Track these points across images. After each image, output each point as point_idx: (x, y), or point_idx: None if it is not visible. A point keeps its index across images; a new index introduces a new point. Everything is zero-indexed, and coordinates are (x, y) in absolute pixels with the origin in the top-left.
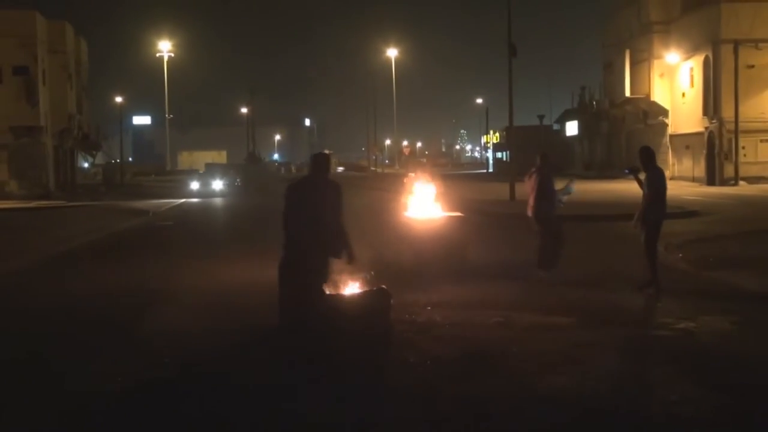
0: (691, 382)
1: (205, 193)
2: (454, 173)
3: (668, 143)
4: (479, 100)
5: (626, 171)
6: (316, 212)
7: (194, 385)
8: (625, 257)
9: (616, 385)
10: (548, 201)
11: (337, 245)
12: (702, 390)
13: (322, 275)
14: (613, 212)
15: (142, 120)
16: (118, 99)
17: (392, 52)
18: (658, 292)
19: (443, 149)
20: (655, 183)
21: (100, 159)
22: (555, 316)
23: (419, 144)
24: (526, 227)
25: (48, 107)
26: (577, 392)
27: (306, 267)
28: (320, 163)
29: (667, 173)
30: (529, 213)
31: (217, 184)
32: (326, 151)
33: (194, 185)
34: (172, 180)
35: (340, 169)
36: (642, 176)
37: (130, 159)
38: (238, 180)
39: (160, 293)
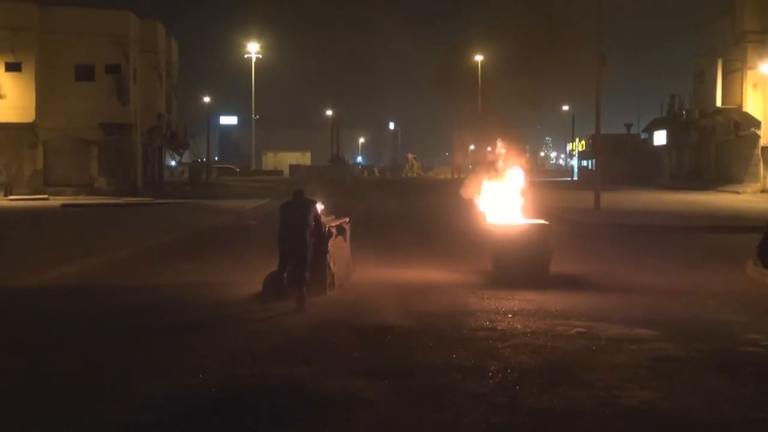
0: None
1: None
2: (538, 180)
3: (760, 155)
4: (565, 107)
5: None
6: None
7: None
8: (713, 270)
9: (701, 401)
10: None
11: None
12: None
13: None
14: (703, 224)
15: (228, 120)
16: (206, 99)
17: (478, 57)
18: None
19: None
20: None
21: (187, 157)
22: (638, 328)
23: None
24: None
25: (138, 105)
26: (660, 407)
27: None
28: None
29: (758, 185)
30: None
31: None
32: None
33: None
34: (257, 180)
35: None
36: None
37: (216, 158)
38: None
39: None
